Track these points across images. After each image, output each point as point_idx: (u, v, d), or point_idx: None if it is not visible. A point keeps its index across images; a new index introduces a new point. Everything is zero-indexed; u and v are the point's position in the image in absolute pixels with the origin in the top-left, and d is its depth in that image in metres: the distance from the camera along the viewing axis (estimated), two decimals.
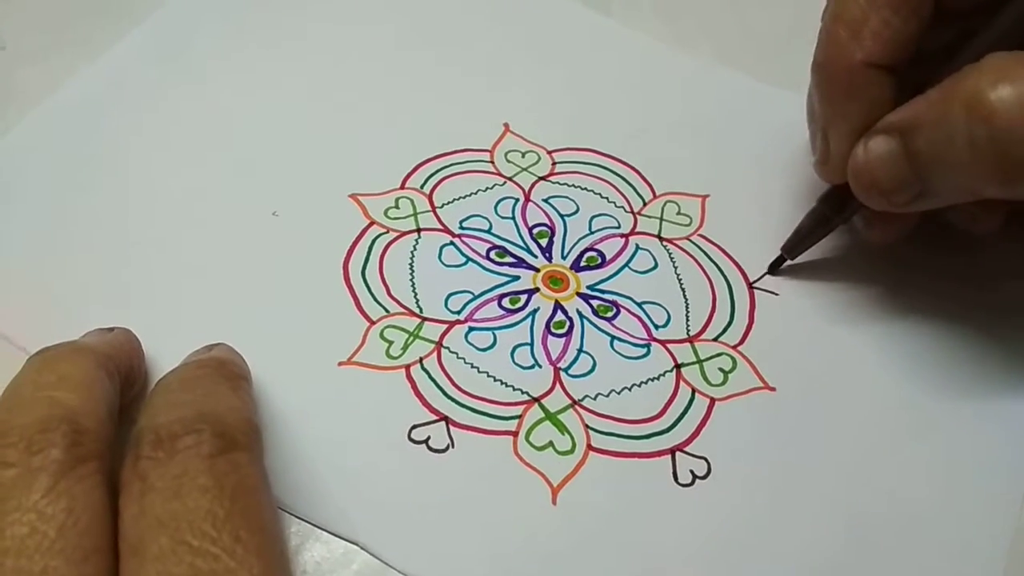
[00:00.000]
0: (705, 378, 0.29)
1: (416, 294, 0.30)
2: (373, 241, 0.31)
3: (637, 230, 0.33)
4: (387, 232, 0.31)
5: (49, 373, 0.22)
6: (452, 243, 0.31)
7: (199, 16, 0.37)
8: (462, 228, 0.32)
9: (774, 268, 0.32)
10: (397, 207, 0.32)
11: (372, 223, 0.32)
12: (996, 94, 0.23)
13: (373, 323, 0.29)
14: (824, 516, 0.26)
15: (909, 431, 0.29)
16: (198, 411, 0.22)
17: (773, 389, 0.29)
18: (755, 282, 0.31)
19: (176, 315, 0.28)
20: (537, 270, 0.31)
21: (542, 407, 0.28)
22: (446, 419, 0.27)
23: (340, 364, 0.28)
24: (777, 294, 0.31)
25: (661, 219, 0.33)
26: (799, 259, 0.32)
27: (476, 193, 0.33)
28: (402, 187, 0.33)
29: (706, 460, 0.27)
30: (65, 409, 0.21)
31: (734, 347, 0.30)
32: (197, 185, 0.32)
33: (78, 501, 0.20)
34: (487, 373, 0.28)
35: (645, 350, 0.29)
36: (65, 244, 0.30)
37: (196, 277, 0.29)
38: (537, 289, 0.31)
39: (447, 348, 0.29)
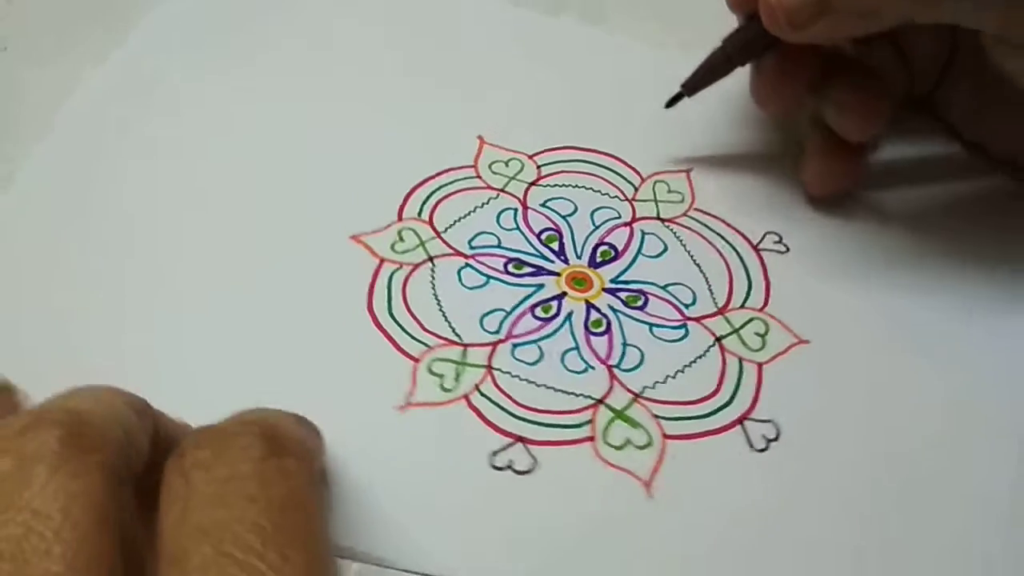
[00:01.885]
0: (746, 345, 0.30)
1: (450, 322, 0.30)
2: (389, 279, 0.30)
3: (637, 216, 0.33)
4: (400, 267, 0.31)
5: (65, 392, 0.20)
6: (468, 265, 0.31)
7: (148, 73, 0.35)
8: (472, 248, 0.32)
9: (672, 103, 0.33)
10: (402, 240, 0.32)
11: (382, 261, 0.31)
12: None
13: (417, 361, 0.29)
14: (884, 442, 0.28)
15: (931, 352, 0.30)
16: (249, 417, 0.21)
17: (807, 342, 0.30)
18: (671, 104, 0.33)
19: (215, 388, 0.27)
20: (558, 274, 0.31)
21: (608, 407, 0.28)
22: (521, 439, 0.27)
23: (400, 409, 0.27)
24: (783, 251, 0.33)
25: (656, 201, 0.34)
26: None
27: (475, 211, 0.33)
28: (400, 219, 0.32)
29: (773, 423, 0.28)
30: (67, 404, 0.19)
31: (761, 310, 0.31)
32: (194, 260, 0.30)
33: (76, 500, 0.17)
34: (545, 385, 0.28)
35: (683, 331, 0.30)
36: (89, 322, 0.28)
37: (224, 350, 0.28)
38: (564, 293, 0.31)
39: (498, 369, 0.29)
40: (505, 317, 0.30)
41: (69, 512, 0.17)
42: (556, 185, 0.34)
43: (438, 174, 0.34)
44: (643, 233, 0.33)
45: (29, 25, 0.37)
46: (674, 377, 0.29)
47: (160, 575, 0.18)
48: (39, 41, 0.36)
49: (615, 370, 0.29)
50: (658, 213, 0.33)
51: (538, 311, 0.30)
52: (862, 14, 0.27)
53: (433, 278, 0.31)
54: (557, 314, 0.30)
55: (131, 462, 0.20)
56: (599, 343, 0.29)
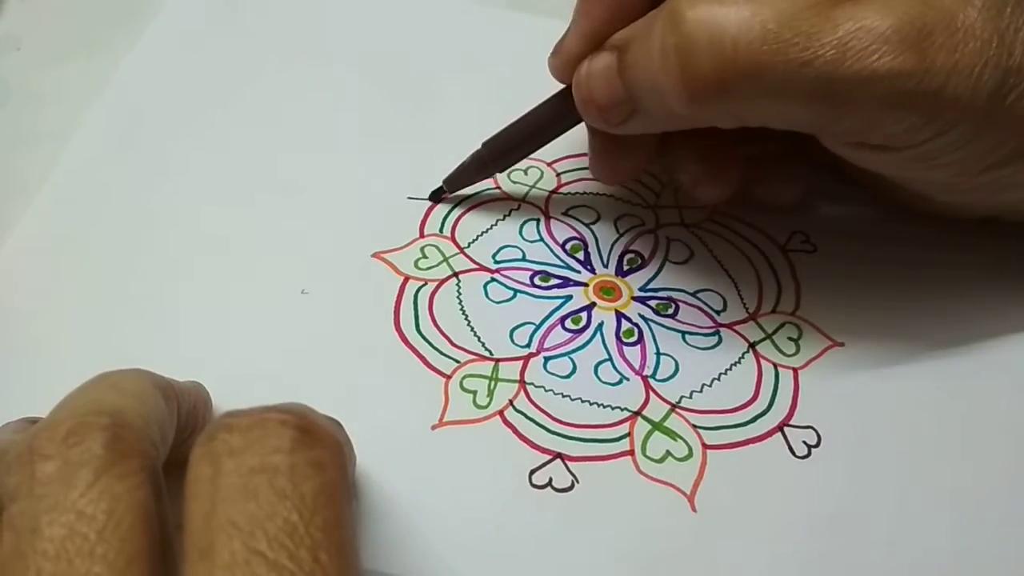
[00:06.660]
0: (780, 350, 0.29)
1: (479, 337, 0.29)
2: (415, 296, 0.30)
3: (661, 223, 0.33)
4: (425, 284, 0.30)
5: (101, 382, 0.21)
6: (493, 279, 0.31)
7: (143, 110, 0.35)
8: (497, 262, 0.31)
9: (435, 197, 0.32)
10: (425, 256, 0.31)
11: (407, 278, 0.30)
12: (691, 5, 0.24)
13: (448, 378, 0.28)
14: (926, 444, 0.27)
15: (965, 350, 0.30)
16: (280, 406, 0.20)
17: (842, 344, 0.30)
18: (435, 197, 0.32)
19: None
20: (586, 284, 0.31)
21: (645, 419, 0.27)
22: (559, 455, 0.27)
23: (433, 427, 0.27)
24: (810, 251, 0.32)
25: (679, 206, 0.33)
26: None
27: (496, 224, 0.32)
28: (422, 235, 0.32)
29: (813, 428, 0.28)
30: (109, 406, 0.19)
31: (793, 314, 0.30)
32: (217, 285, 0.30)
33: (120, 502, 0.18)
34: (580, 399, 0.28)
35: (716, 338, 0.30)
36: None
37: (253, 374, 0.28)
38: (593, 303, 0.30)
39: (531, 384, 0.28)
40: (535, 330, 0.29)
41: (113, 513, 0.17)
42: (577, 193, 0.33)
43: None
44: (668, 239, 0.32)
45: (42, 25, 0.37)
46: (710, 385, 0.28)
47: (188, 564, 0.18)
48: (52, 41, 0.36)
49: (650, 381, 0.28)
50: (682, 218, 0.33)
51: (568, 323, 0.30)
52: (665, 114, 0.26)
53: (459, 294, 0.30)
54: (587, 325, 0.30)
55: (163, 452, 0.20)
56: (632, 353, 0.29)
